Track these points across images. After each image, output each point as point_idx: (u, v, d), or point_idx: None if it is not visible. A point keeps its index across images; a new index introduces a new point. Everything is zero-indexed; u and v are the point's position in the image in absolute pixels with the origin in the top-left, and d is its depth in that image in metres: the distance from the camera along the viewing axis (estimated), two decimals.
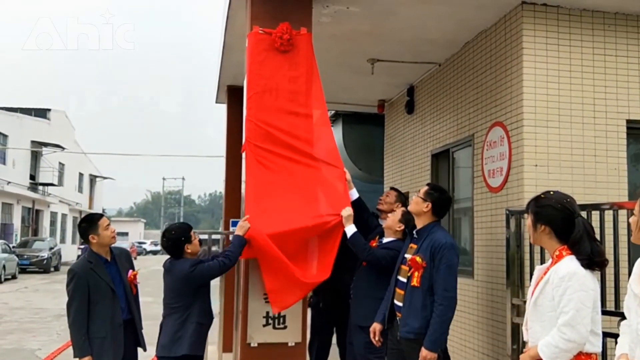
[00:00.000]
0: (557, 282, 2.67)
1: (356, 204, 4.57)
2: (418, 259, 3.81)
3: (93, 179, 46.80)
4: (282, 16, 4.24)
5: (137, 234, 63.64)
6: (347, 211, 4.20)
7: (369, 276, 4.45)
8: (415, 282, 3.81)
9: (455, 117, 6.26)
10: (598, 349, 2.73)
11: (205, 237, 5.23)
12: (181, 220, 64.92)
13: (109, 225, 4.14)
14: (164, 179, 75.82)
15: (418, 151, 7.34)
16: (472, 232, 5.75)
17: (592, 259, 2.70)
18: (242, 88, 4.63)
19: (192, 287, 4.01)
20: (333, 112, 11.56)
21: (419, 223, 4.02)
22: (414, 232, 4.06)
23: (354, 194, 4.59)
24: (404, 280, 3.91)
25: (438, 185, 4.34)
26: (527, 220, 2.94)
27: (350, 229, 4.23)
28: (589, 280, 2.67)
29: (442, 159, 6.76)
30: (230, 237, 6.56)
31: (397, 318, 3.94)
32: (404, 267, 3.95)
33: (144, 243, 56.08)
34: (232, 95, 7.94)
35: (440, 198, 4.05)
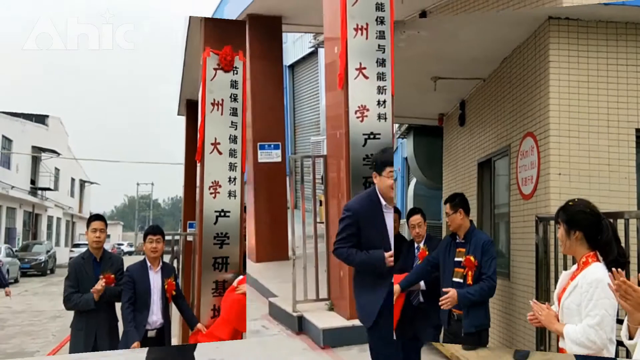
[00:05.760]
0: (585, 287, 2.82)
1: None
2: (472, 258, 4.36)
3: (82, 183, 48.80)
4: (227, 40, 5.09)
5: (116, 236, 65.56)
6: None
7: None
8: (470, 280, 4.35)
9: (495, 129, 6.57)
10: (612, 355, 2.84)
11: (169, 237, 5.82)
12: (151, 223, 66.28)
13: (95, 229, 4.60)
14: (137, 184, 78.54)
15: (467, 160, 7.67)
16: (508, 236, 6.04)
17: (619, 260, 2.84)
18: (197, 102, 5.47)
19: None
20: (406, 125, 12.26)
21: (463, 230, 4.50)
22: (458, 237, 4.53)
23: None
24: (460, 280, 4.41)
25: (451, 196, 4.75)
26: (559, 231, 3.00)
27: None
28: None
29: (485, 168, 7.06)
30: (189, 238, 6.87)
31: (455, 315, 4.43)
32: (459, 270, 4.45)
33: (122, 244, 57.35)
34: (190, 108, 8.24)
35: (463, 199, 4.58)
